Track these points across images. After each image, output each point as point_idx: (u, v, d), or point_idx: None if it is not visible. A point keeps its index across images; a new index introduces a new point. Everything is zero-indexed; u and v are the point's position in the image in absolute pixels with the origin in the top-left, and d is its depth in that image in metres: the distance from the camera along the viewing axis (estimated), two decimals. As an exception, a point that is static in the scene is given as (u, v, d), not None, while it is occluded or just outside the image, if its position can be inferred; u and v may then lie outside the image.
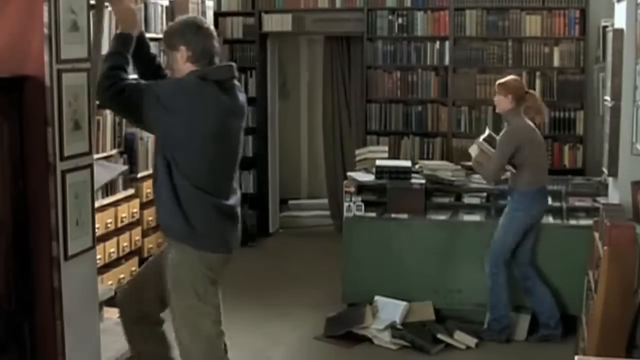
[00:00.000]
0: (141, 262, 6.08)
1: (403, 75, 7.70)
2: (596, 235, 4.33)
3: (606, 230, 3.86)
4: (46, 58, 3.29)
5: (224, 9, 8.05)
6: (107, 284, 5.39)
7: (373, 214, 5.80)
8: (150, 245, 6.22)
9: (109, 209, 5.62)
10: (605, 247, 3.81)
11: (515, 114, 5.25)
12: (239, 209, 3.69)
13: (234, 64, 3.65)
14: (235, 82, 3.60)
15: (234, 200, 3.63)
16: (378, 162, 6.07)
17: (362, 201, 5.82)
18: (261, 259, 7.35)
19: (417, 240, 5.66)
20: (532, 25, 7.37)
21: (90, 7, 3.63)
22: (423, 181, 5.85)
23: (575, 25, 7.28)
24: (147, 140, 6.21)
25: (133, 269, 5.94)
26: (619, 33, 4.67)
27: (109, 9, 4.42)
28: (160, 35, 6.55)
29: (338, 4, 7.77)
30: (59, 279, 3.41)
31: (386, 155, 6.37)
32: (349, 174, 6.11)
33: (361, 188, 5.92)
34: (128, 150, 5.94)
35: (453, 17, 7.48)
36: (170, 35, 3.54)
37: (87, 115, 3.55)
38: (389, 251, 5.71)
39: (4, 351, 3.29)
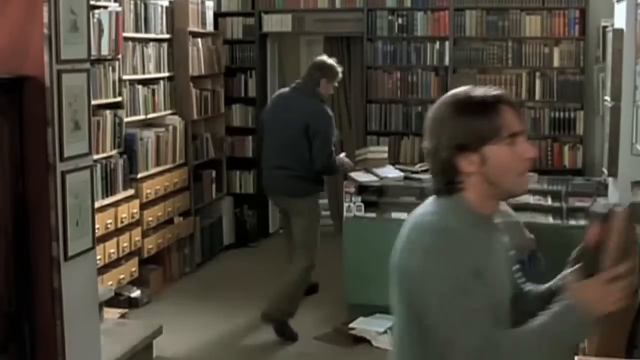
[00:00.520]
0: (141, 262, 6.09)
1: (403, 76, 7.70)
2: (596, 235, 4.32)
3: (606, 230, 3.85)
4: (46, 58, 3.29)
5: (223, 9, 8.05)
6: (107, 284, 5.39)
7: (373, 215, 5.79)
8: (150, 246, 6.22)
9: (109, 210, 5.62)
10: (605, 247, 3.80)
11: None
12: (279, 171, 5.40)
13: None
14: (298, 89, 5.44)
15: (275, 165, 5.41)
16: None
17: (362, 201, 5.82)
18: (261, 259, 7.35)
19: (417, 241, 5.65)
20: (532, 25, 7.37)
21: (90, 7, 3.62)
22: None
23: (575, 25, 7.28)
24: (147, 140, 6.22)
25: (133, 269, 5.95)
26: (619, 33, 4.67)
27: (108, 8, 4.45)
28: (161, 36, 6.60)
29: (338, 4, 7.77)
30: (59, 279, 3.41)
31: (386, 155, 6.36)
32: (349, 174, 6.11)
33: (361, 188, 5.92)
34: (128, 150, 5.94)
35: (453, 17, 7.48)
36: None
37: (87, 115, 3.55)
38: (389, 251, 5.69)
39: (4, 351, 3.29)
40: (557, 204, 5.74)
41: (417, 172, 6.20)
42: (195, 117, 7.03)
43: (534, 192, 5.93)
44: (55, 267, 3.40)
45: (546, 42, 7.37)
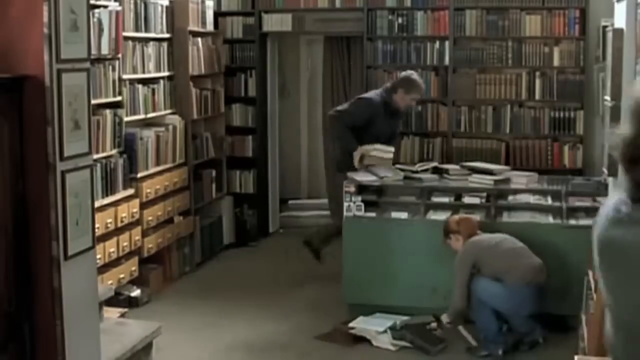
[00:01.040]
0: (141, 262, 6.09)
1: (403, 75, 7.68)
2: (596, 235, 4.32)
3: (606, 230, 3.84)
4: (46, 58, 3.29)
5: (224, 8, 8.05)
6: (107, 283, 5.39)
7: (373, 214, 5.79)
8: (150, 245, 6.22)
9: (109, 209, 5.62)
10: (605, 247, 3.79)
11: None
12: None
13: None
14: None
15: None
16: None
17: (362, 201, 5.82)
18: (261, 259, 7.35)
19: (417, 240, 5.66)
20: (532, 25, 7.37)
21: (90, 6, 3.62)
22: None
23: (575, 25, 7.28)
24: (147, 140, 6.22)
25: (133, 268, 5.95)
26: (619, 33, 4.66)
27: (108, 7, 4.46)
28: (161, 35, 6.60)
29: (338, 4, 7.77)
30: (59, 279, 3.41)
31: (391, 156, 6.31)
32: (349, 174, 6.11)
33: (361, 188, 5.92)
34: (128, 150, 5.94)
35: (453, 17, 7.48)
36: None
37: (87, 115, 3.55)
38: (389, 251, 5.71)
39: (4, 351, 3.29)
40: (557, 204, 5.74)
41: (417, 172, 6.21)
42: (195, 116, 7.03)
43: (534, 192, 5.93)
44: (55, 267, 3.40)
45: (546, 42, 7.36)
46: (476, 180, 5.95)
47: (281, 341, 5.43)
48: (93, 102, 4.29)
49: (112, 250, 5.63)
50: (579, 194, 5.83)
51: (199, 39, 7.16)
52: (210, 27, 7.48)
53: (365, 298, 5.69)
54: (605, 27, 5.86)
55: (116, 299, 5.38)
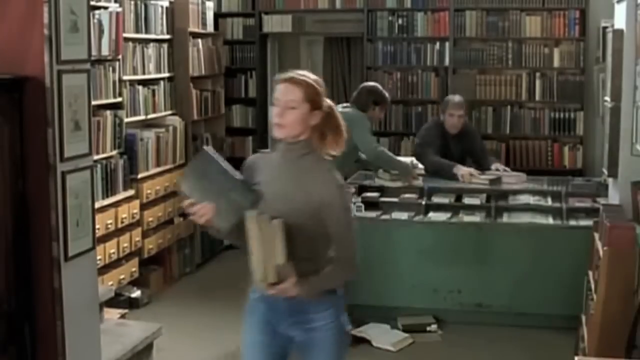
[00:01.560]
0: (141, 262, 6.10)
1: (403, 76, 7.70)
2: (596, 235, 4.33)
3: (606, 231, 3.86)
4: (46, 59, 3.29)
5: (224, 9, 8.06)
6: (107, 284, 5.39)
7: (373, 214, 5.80)
8: (151, 246, 6.23)
9: (109, 210, 5.63)
10: (605, 248, 3.81)
11: None
12: None
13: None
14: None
15: None
16: None
17: (362, 201, 5.82)
18: (261, 259, 7.34)
19: (417, 241, 5.66)
20: (532, 25, 7.38)
21: (91, 7, 3.62)
22: None
23: (575, 25, 7.29)
24: (147, 141, 6.22)
25: (133, 269, 5.95)
26: (619, 33, 4.67)
27: (108, 8, 4.46)
28: (161, 36, 6.60)
29: (338, 5, 7.78)
30: (59, 279, 3.41)
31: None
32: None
33: (361, 188, 5.92)
34: (128, 151, 5.94)
35: (453, 17, 7.49)
36: None
37: (87, 116, 3.55)
38: (389, 251, 5.71)
39: (4, 351, 3.29)
40: (557, 204, 5.74)
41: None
42: (195, 117, 7.04)
43: (534, 193, 5.94)
44: (56, 268, 3.40)
45: (546, 43, 7.37)
46: (477, 181, 5.96)
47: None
48: (93, 103, 4.30)
49: (112, 251, 5.63)
50: (579, 195, 5.84)
51: (199, 40, 7.17)
52: (210, 28, 7.48)
53: (365, 298, 5.69)
54: (605, 28, 5.87)
55: (116, 300, 5.38)
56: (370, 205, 5.84)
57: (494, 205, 5.77)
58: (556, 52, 7.35)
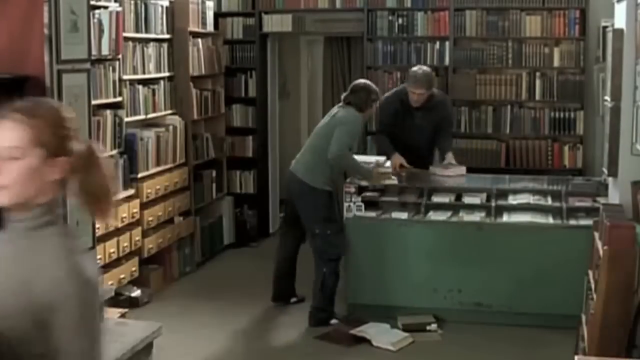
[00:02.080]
0: (141, 262, 6.10)
1: (403, 76, 7.68)
2: (596, 235, 4.33)
3: (606, 230, 3.86)
4: (46, 58, 3.29)
5: (224, 9, 8.06)
6: (108, 284, 5.39)
7: (373, 214, 5.80)
8: (151, 246, 6.23)
9: (109, 209, 5.62)
10: (605, 247, 3.81)
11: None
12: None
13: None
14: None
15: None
16: None
17: (362, 201, 5.82)
18: (261, 259, 7.34)
19: (417, 240, 5.66)
20: (532, 25, 7.37)
21: (91, 7, 3.63)
22: None
23: (575, 25, 7.28)
24: (147, 140, 6.22)
25: (133, 269, 5.95)
26: (619, 33, 4.67)
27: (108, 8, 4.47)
28: (161, 36, 6.60)
29: (338, 5, 7.77)
30: (59, 279, 3.41)
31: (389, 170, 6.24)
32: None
33: (361, 188, 5.92)
34: (128, 150, 5.95)
35: (453, 17, 7.48)
36: None
37: (87, 115, 3.56)
38: (389, 251, 5.72)
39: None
40: (557, 204, 5.74)
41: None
42: (195, 117, 7.04)
43: (533, 192, 5.94)
44: (56, 267, 3.40)
45: (546, 42, 7.37)
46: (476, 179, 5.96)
47: (281, 341, 5.43)
48: (93, 102, 4.30)
49: (112, 250, 5.63)
50: (579, 194, 5.84)
51: (199, 40, 7.17)
52: (210, 27, 7.48)
53: (365, 298, 5.69)
54: (605, 27, 5.87)
55: (116, 300, 5.39)
56: (370, 205, 5.84)
57: (494, 204, 5.77)
58: (556, 52, 7.35)
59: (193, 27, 7.00)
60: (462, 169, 6.23)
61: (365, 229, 5.78)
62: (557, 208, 5.71)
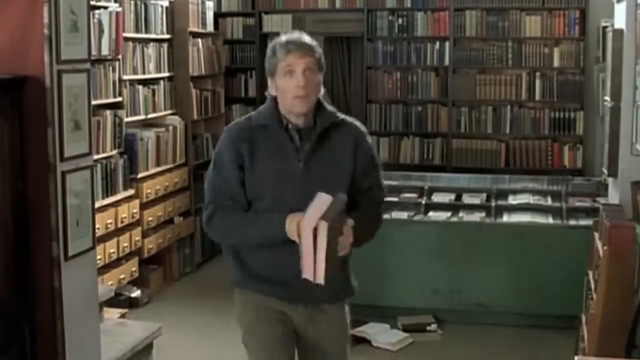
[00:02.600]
0: (141, 262, 6.10)
1: (403, 76, 7.70)
2: (596, 235, 4.33)
3: (606, 230, 3.86)
4: (46, 59, 3.29)
5: (224, 9, 8.06)
6: (107, 284, 5.39)
7: (373, 214, 5.79)
8: (151, 246, 6.23)
9: (109, 210, 5.63)
10: (605, 247, 3.80)
11: None
12: None
13: None
14: None
15: None
16: None
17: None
18: (261, 259, 7.34)
19: (417, 240, 5.66)
20: (532, 25, 7.38)
21: (91, 7, 3.63)
22: None
23: (575, 25, 7.29)
24: (147, 140, 6.22)
25: (133, 269, 5.95)
26: (618, 33, 4.67)
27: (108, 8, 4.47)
28: (161, 36, 6.60)
29: (338, 5, 7.78)
30: (59, 279, 3.41)
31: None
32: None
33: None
34: (128, 150, 5.94)
35: (453, 17, 7.49)
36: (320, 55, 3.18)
37: (87, 115, 3.56)
38: (389, 251, 5.71)
39: (4, 351, 3.29)
40: (557, 204, 5.75)
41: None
42: (195, 117, 7.03)
43: (533, 192, 5.94)
44: (56, 267, 3.40)
45: (546, 42, 7.37)
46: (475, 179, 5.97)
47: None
48: (93, 102, 4.30)
49: (112, 250, 5.63)
50: (579, 195, 5.84)
51: (199, 40, 7.16)
52: (210, 27, 7.48)
53: (365, 298, 5.66)
54: (605, 27, 5.87)
55: (116, 300, 5.38)
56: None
57: (494, 204, 5.77)
58: (556, 52, 7.36)
59: (193, 27, 7.00)
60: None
61: (365, 229, 5.77)
62: (557, 208, 5.71)
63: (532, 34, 7.38)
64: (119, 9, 5.73)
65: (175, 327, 5.41)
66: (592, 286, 4.12)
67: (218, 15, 7.87)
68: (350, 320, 3.33)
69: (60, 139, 3.36)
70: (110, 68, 5.71)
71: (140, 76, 6.25)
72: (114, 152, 5.76)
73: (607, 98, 5.02)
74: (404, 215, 5.75)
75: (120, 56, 5.81)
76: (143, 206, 6.09)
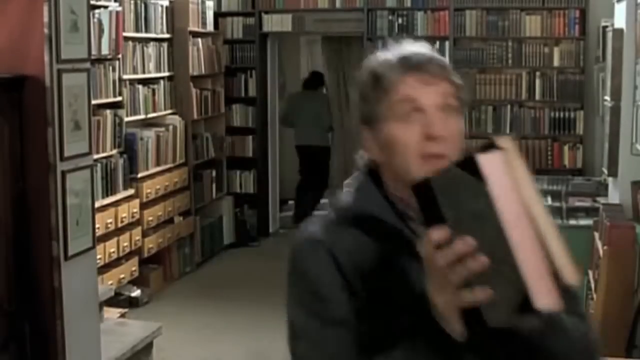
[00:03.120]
0: (141, 262, 6.10)
1: (403, 76, 7.69)
2: (596, 235, 4.33)
3: (606, 230, 3.86)
4: (46, 58, 3.29)
5: (224, 9, 8.06)
6: (107, 284, 5.40)
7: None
8: (151, 245, 6.23)
9: (109, 209, 5.63)
10: (605, 247, 3.81)
11: None
12: None
13: None
14: None
15: None
16: None
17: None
18: (261, 259, 7.35)
19: (417, 240, 5.65)
20: (532, 25, 7.37)
21: (91, 7, 3.63)
22: None
23: (575, 25, 7.28)
24: (147, 140, 6.22)
25: (133, 269, 5.95)
26: (618, 33, 4.67)
27: (108, 8, 4.47)
28: (161, 35, 6.60)
29: (338, 4, 7.77)
30: (59, 279, 3.41)
31: None
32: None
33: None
34: (128, 150, 5.95)
35: (453, 17, 7.48)
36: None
37: (87, 115, 3.56)
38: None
39: (4, 351, 3.29)
40: (557, 204, 5.74)
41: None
42: (195, 116, 7.04)
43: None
44: (56, 267, 3.40)
45: (546, 42, 7.37)
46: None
47: (281, 341, 5.43)
48: (93, 102, 4.30)
49: (112, 250, 5.63)
50: (579, 194, 5.83)
51: (199, 40, 7.17)
52: (210, 27, 7.48)
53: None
54: (605, 27, 5.87)
55: (116, 299, 5.38)
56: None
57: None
58: (556, 52, 7.35)
59: (193, 27, 7.00)
60: None
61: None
62: (557, 208, 5.71)
63: (532, 33, 7.38)
64: (119, 9, 5.73)
65: (175, 327, 5.41)
66: (592, 286, 4.12)
67: (218, 15, 7.87)
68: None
69: (60, 138, 3.36)
70: (110, 67, 5.71)
71: (140, 76, 6.25)
72: (114, 151, 5.76)
73: (607, 98, 5.02)
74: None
75: (120, 56, 5.81)
76: (143, 206, 6.09)
